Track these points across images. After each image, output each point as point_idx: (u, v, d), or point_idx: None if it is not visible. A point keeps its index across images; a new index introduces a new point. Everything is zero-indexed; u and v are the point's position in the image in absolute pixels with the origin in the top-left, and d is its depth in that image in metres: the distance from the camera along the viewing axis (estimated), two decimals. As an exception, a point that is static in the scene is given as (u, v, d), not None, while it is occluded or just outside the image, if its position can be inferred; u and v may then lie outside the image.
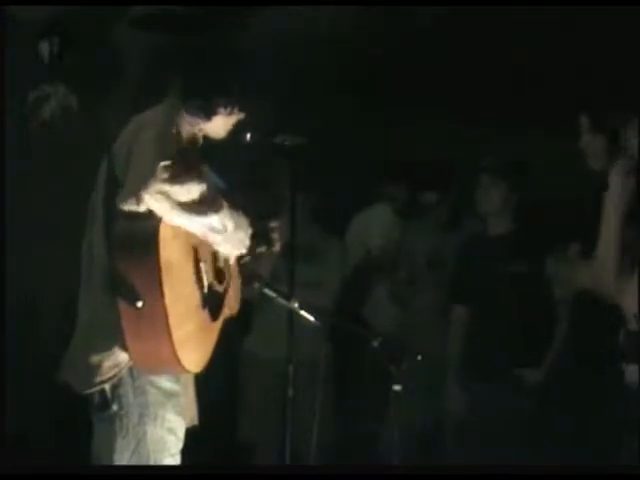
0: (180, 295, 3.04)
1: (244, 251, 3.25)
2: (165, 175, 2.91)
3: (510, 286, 4.62)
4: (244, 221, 3.20)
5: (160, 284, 2.93)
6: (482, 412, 4.63)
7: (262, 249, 3.53)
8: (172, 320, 2.96)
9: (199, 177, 3.03)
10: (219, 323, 3.32)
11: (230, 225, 3.11)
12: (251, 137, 3.35)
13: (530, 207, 4.84)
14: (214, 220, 3.05)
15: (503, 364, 4.59)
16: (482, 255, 4.80)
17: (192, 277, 3.12)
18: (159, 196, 2.91)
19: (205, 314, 3.21)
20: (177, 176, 2.93)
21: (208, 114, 3.19)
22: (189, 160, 3.11)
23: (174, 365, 3.03)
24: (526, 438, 4.47)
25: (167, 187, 2.91)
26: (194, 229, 3.04)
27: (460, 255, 4.97)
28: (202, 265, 3.16)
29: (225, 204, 3.09)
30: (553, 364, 4.66)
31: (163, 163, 2.92)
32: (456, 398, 4.81)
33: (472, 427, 4.70)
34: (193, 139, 3.19)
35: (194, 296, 3.14)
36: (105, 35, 5.33)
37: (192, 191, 2.96)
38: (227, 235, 3.12)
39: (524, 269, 4.65)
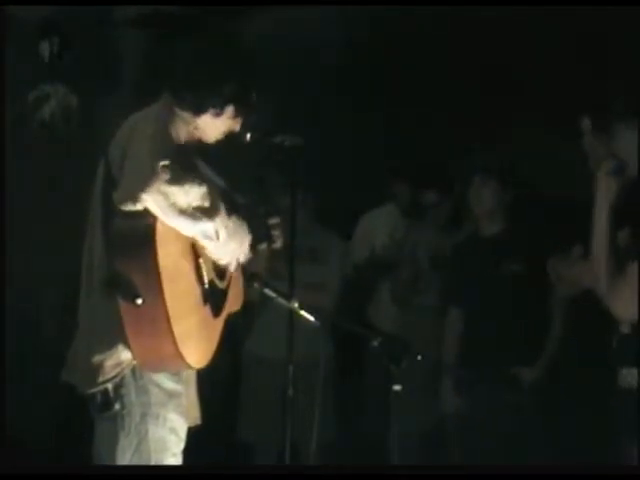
0: (180, 291, 3.03)
1: (233, 262, 3.21)
2: (166, 175, 2.91)
3: (504, 286, 4.62)
4: (240, 230, 3.18)
5: (159, 281, 2.93)
6: (478, 412, 4.62)
7: (262, 246, 3.52)
8: (172, 316, 2.96)
9: (199, 180, 3.03)
10: (222, 319, 3.32)
11: (223, 234, 3.08)
12: (251, 137, 3.35)
13: (523, 207, 4.83)
14: (208, 227, 3.03)
15: (498, 364, 4.59)
16: (476, 255, 4.80)
17: (191, 273, 3.12)
18: (158, 196, 2.91)
19: (207, 310, 3.21)
20: (177, 177, 2.93)
21: (197, 111, 3.18)
22: (188, 159, 3.11)
23: (177, 361, 3.03)
24: (523, 437, 4.47)
25: (167, 188, 2.91)
26: (187, 233, 3.03)
27: (454, 256, 4.97)
28: (201, 261, 3.16)
29: (222, 211, 3.08)
30: (549, 364, 4.67)
31: (163, 162, 2.92)
32: (452, 398, 4.81)
33: (470, 427, 4.70)
34: (189, 137, 3.18)
35: (194, 292, 3.14)
36: (105, 35, 5.33)
37: (190, 194, 2.96)
38: (218, 244, 3.09)
39: (517, 269, 4.65)
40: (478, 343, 4.70)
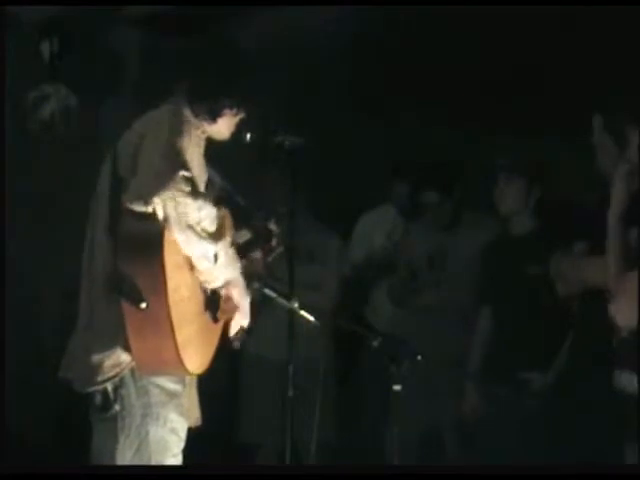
0: (184, 297, 3.04)
1: (220, 286, 3.20)
2: (184, 186, 2.91)
3: (530, 287, 4.59)
4: (235, 261, 3.19)
5: (164, 286, 2.94)
6: (493, 414, 4.61)
7: (257, 255, 3.52)
8: (175, 322, 2.97)
9: (215, 200, 3.03)
10: (220, 325, 3.32)
11: (221, 258, 3.09)
12: (251, 137, 3.35)
13: (550, 206, 4.79)
14: (209, 248, 3.03)
15: (520, 366, 4.57)
16: (503, 255, 4.77)
17: (196, 280, 3.13)
18: (170, 202, 2.91)
19: (207, 316, 3.21)
20: (194, 192, 2.95)
21: (214, 116, 3.19)
22: (204, 173, 3.13)
23: (177, 367, 3.03)
24: (532, 440, 4.45)
25: (181, 198, 2.91)
26: (187, 249, 3.01)
27: (483, 256, 4.93)
28: None
29: (227, 238, 3.09)
30: (562, 367, 4.63)
31: (184, 173, 2.92)
32: (473, 399, 4.79)
33: (475, 428, 4.70)
34: (198, 140, 3.19)
35: (197, 299, 3.16)
36: (105, 35, 5.33)
37: (202, 211, 2.97)
38: (213, 267, 3.09)
39: (544, 270, 4.59)
40: (503, 344, 4.67)
